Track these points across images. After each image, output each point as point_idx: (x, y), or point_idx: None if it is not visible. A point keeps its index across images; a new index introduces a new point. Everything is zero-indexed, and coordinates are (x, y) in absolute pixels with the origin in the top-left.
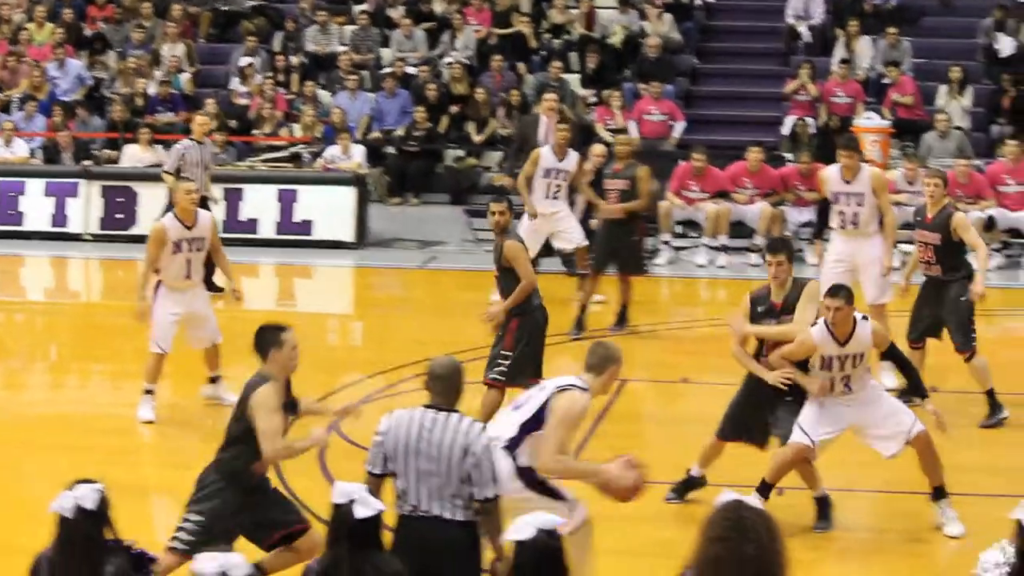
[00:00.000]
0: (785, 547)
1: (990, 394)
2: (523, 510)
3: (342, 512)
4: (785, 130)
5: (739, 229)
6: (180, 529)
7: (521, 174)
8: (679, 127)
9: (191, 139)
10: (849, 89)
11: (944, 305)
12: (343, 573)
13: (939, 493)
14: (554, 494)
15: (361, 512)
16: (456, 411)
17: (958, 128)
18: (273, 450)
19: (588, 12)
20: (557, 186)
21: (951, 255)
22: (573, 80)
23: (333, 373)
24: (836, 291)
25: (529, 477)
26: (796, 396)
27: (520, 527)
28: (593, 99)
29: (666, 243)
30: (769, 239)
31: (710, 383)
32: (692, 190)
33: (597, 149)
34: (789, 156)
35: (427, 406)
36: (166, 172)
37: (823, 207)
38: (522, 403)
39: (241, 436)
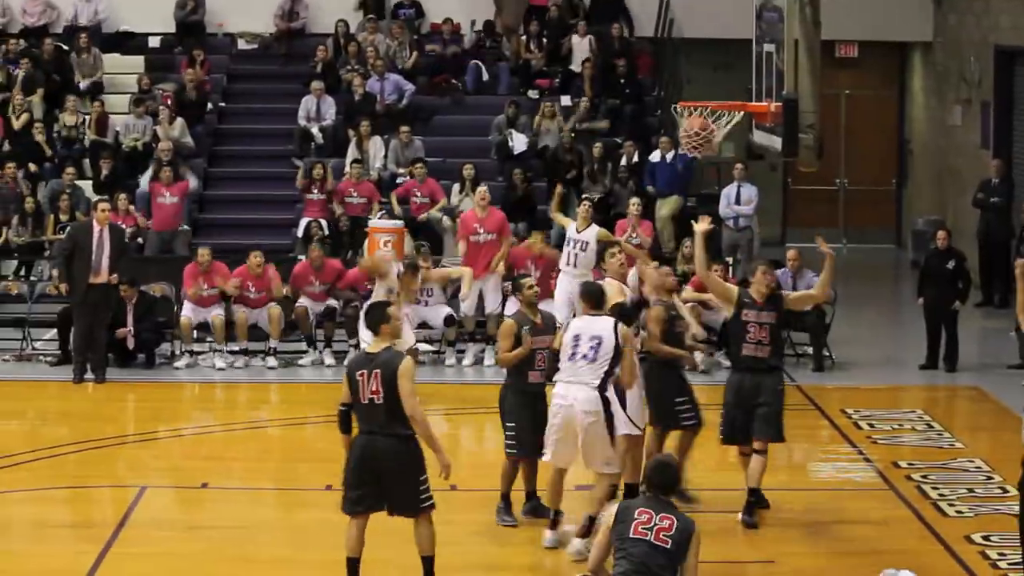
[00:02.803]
0: None
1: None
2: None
3: None
4: (299, 232)
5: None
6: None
7: None
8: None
9: None
10: (363, 189)
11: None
12: None
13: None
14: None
15: None
16: None
17: None
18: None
19: (100, 118)
20: None
21: (780, 337)
22: (86, 186)
23: None
24: None
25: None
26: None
27: None
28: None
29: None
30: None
31: (230, 488)
32: (204, 290)
33: None
34: (302, 257)
35: None
36: None
37: None
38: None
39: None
